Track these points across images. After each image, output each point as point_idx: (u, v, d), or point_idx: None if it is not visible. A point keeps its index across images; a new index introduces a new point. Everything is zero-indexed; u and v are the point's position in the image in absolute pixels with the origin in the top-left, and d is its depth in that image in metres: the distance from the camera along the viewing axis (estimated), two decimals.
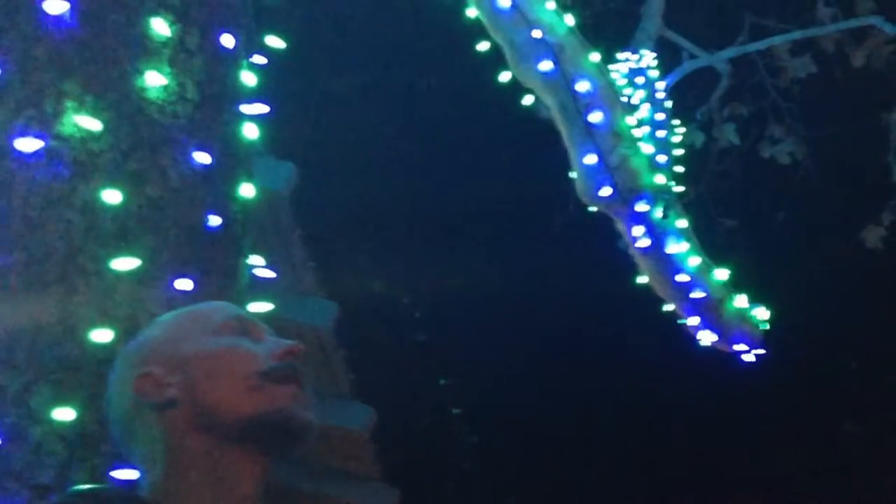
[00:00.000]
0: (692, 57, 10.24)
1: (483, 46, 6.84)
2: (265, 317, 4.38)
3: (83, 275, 3.74)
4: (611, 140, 6.83)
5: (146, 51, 4.02)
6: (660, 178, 7.14)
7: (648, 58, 9.39)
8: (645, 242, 7.15)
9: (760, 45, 10.44)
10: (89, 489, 2.54)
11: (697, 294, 7.36)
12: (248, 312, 2.55)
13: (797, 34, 10.35)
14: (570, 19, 6.75)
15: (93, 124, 3.84)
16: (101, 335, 3.69)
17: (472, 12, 6.68)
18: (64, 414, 3.60)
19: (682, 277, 7.30)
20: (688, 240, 7.31)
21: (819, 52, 10.73)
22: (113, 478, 3.58)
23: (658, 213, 7.07)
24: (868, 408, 13.43)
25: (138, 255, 3.82)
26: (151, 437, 2.36)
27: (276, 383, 2.32)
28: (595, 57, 6.81)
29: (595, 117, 6.78)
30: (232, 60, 4.28)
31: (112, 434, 2.48)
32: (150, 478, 2.35)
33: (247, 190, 4.26)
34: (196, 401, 2.32)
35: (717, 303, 7.49)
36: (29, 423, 3.59)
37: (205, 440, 2.31)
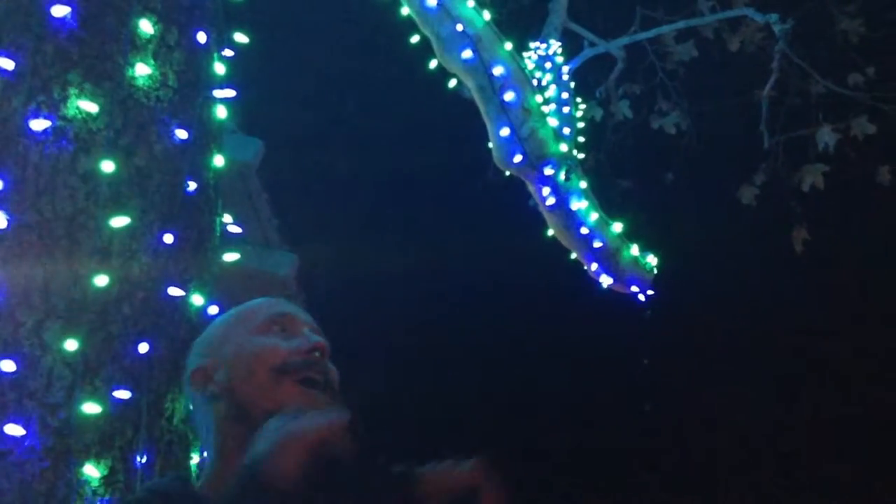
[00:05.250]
0: (592, 45, 10.22)
1: (415, 39, 6.81)
2: (233, 265, 4.56)
3: (85, 231, 3.81)
4: (522, 115, 6.73)
5: (134, 46, 4.07)
6: (564, 147, 7.05)
7: (555, 46, 9.30)
8: (552, 201, 7.07)
9: (650, 33, 10.37)
10: (149, 488, 2.45)
11: (597, 244, 7.30)
12: (291, 307, 2.45)
13: (681, 24, 10.32)
14: (486, 15, 6.71)
15: (91, 107, 3.91)
16: (101, 280, 3.77)
17: (405, 10, 6.69)
18: (70, 345, 3.66)
19: (583, 230, 7.23)
20: (588, 198, 7.26)
21: (700, 39, 10.70)
22: (113, 397, 3.66)
23: (562, 176, 7.00)
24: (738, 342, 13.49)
25: (129, 215, 3.89)
26: (207, 425, 2.31)
27: (294, 382, 2.25)
28: (508, 46, 6.75)
29: (508, 96, 6.73)
30: (205, 53, 4.33)
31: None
32: (206, 463, 2.30)
33: (218, 160, 4.32)
34: (232, 394, 2.27)
35: (614, 251, 7.38)
36: (42, 352, 3.66)
37: (241, 431, 2.19)
